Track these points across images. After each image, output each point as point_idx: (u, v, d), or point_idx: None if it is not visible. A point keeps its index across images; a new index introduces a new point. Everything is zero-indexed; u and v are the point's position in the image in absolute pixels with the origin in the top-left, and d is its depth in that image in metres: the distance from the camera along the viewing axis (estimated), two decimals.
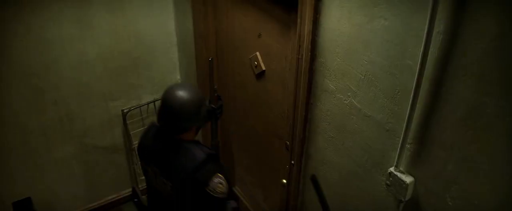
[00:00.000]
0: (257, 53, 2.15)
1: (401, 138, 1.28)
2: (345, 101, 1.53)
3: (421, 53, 1.12)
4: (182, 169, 1.59)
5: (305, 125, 1.78)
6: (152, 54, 2.75)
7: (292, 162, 1.96)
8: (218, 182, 1.59)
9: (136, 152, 1.81)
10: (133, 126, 2.86)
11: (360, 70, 1.41)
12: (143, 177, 1.95)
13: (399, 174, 1.33)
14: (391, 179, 1.36)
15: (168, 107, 1.60)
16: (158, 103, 2.51)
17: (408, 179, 1.31)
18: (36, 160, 2.61)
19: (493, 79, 1.00)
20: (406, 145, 1.29)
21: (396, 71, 1.26)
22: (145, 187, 2.69)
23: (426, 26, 1.08)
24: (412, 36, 1.17)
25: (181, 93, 1.59)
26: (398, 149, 1.31)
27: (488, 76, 1.01)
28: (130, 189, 3.14)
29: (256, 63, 2.17)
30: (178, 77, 2.95)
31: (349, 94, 1.50)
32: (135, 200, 3.07)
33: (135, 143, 2.74)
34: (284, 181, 2.10)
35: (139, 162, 1.93)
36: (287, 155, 2.01)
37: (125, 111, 2.78)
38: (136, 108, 2.82)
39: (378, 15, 1.26)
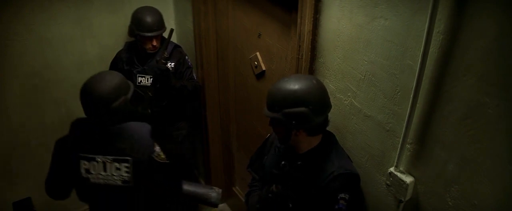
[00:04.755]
0: (257, 53, 2.15)
1: (401, 138, 1.28)
2: (345, 101, 1.53)
3: (421, 53, 1.12)
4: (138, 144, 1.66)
5: None
6: None
7: None
8: (159, 149, 1.73)
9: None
10: None
11: (360, 70, 1.41)
12: None
13: (399, 174, 1.33)
14: (391, 179, 1.36)
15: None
16: None
17: (408, 179, 1.31)
18: (36, 160, 2.61)
19: (493, 79, 1.00)
20: (406, 145, 1.29)
21: (396, 71, 1.26)
22: None
23: (426, 26, 1.09)
24: (412, 36, 1.17)
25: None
26: (398, 149, 1.31)
27: (488, 76, 1.01)
28: None
29: (256, 63, 2.17)
30: None
31: (349, 94, 1.50)
32: None
33: None
34: None
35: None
36: None
37: None
38: None
39: (379, 15, 1.26)
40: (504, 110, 0.99)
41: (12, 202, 2.49)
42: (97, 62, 2.55)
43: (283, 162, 1.50)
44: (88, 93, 1.63)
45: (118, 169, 1.68)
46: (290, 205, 1.48)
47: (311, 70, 1.62)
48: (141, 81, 2.44)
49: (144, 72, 2.43)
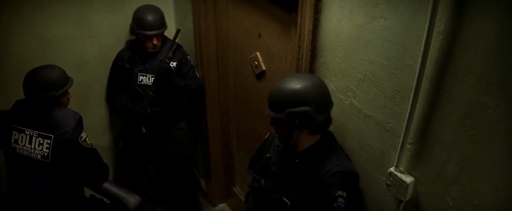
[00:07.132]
0: (258, 53, 2.15)
1: (401, 138, 1.28)
2: (345, 101, 1.53)
3: (421, 53, 1.12)
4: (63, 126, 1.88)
5: None
6: None
7: None
8: (86, 136, 1.95)
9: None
10: None
11: (360, 70, 1.41)
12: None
13: (399, 174, 1.33)
14: (391, 179, 1.36)
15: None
16: None
17: (408, 179, 1.31)
18: None
19: (493, 79, 1.00)
20: (406, 145, 1.30)
21: (396, 71, 1.26)
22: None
23: (426, 26, 1.09)
24: (412, 36, 1.17)
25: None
26: (398, 149, 1.31)
27: (488, 76, 1.01)
28: None
29: (256, 63, 2.17)
30: None
31: (349, 94, 1.50)
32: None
33: None
34: None
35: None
36: None
37: None
38: None
39: (379, 15, 1.26)
40: (504, 110, 0.99)
41: None
42: (97, 62, 2.55)
43: (268, 155, 1.55)
44: (32, 79, 1.85)
45: (41, 144, 1.89)
46: (288, 204, 1.48)
47: (311, 70, 1.62)
48: (142, 79, 2.45)
49: (145, 71, 2.44)
